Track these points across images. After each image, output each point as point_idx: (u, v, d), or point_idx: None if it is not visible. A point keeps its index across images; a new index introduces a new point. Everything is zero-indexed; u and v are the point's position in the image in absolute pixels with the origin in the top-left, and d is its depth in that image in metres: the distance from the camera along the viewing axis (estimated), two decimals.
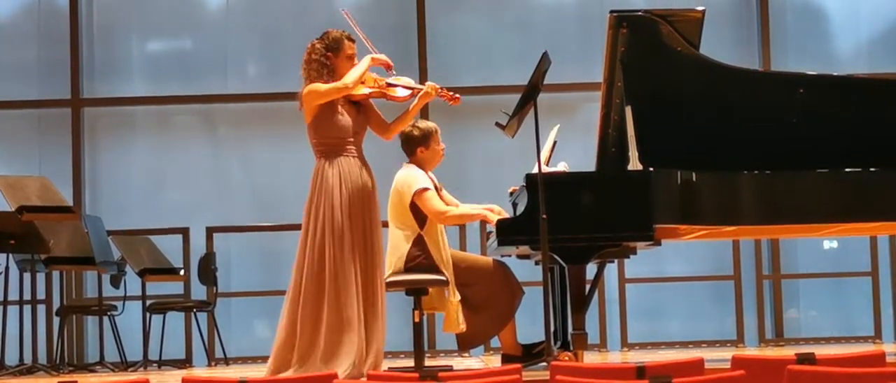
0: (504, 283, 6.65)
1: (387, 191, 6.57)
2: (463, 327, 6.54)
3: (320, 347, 5.93)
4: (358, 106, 6.22)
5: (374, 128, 6.31)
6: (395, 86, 6.25)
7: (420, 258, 6.48)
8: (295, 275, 6.08)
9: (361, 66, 6.16)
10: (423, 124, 6.74)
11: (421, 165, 6.66)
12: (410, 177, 6.55)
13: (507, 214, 6.58)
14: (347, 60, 6.18)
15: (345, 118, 6.13)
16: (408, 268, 6.47)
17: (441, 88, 6.31)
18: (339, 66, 6.17)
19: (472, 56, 10.37)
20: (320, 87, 6.07)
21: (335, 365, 5.85)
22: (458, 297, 6.51)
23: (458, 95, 6.41)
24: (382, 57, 6.22)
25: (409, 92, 6.25)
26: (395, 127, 6.33)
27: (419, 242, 6.49)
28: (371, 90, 6.19)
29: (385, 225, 6.42)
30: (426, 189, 6.49)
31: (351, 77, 6.09)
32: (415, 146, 6.68)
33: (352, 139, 6.14)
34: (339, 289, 5.96)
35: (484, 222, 6.89)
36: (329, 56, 6.15)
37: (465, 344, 6.83)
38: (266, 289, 9.62)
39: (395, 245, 6.54)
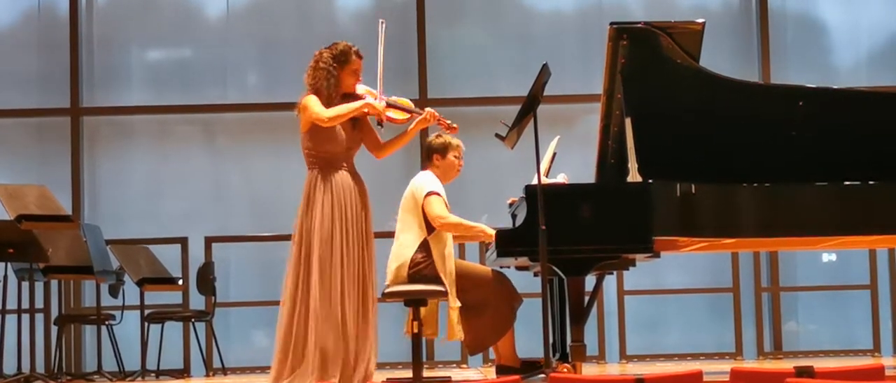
0: (502, 291, 6.65)
1: (382, 204, 6.55)
2: (461, 335, 6.54)
3: (311, 358, 5.91)
4: (354, 121, 6.17)
5: (367, 146, 6.28)
6: (395, 107, 6.21)
7: (423, 264, 6.46)
8: (289, 285, 6.06)
9: (351, 106, 6.05)
10: (447, 136, 6.72)
11: (436, 174, 6.69)
12: (425, 181, 6.62)
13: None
14: (352, 75, 6.15)
15: (341, 133, 6.10)
16: (410, 275, 6.47)
17: (440, 117, 6.27)
18: (344, 79, 6.13)
19: (472, 67, 10.37)
20: (314, 107, 6.00)
21: (326, 375, 5.83)
22: (459, 304, 6.49)
23: (455, 125, 6.39)
24: (379, 107, 6.08)
25: (407, 115, 6.20)
26: (389, 148, 6.29)
27: (425, 247, 6.49)
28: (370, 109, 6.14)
29: (390, 235, 6.42)
30: (436, 193, 6.52)
31: (333, 113, 6.00)
32: (432, 154, 6.76)
33: (345, 153, 6.13)
34: (328, 300, 5.93)
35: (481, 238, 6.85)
36: (335, 67, 6.11)
37: (471, 348, 6.85)
38: (264, 299, 9.59)
39: (400, 252, 6.54)
